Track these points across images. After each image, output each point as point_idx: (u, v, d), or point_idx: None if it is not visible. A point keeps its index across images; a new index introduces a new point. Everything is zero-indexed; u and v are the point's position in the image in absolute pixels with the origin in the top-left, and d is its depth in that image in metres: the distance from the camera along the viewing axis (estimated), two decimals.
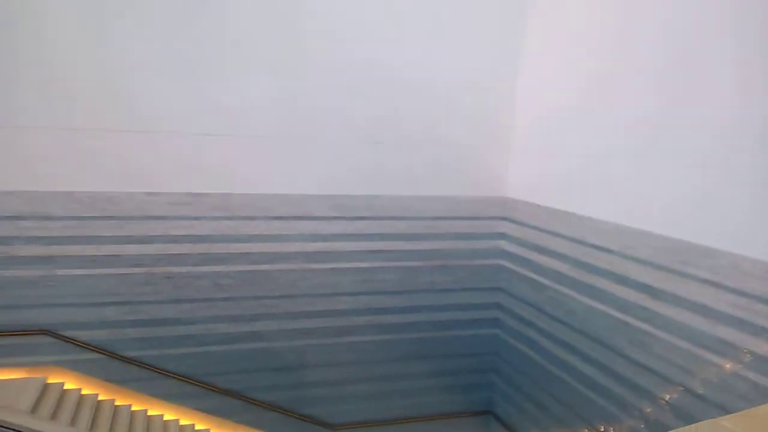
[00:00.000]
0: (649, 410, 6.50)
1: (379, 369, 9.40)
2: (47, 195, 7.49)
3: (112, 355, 8.02)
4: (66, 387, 7.87)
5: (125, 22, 7.43)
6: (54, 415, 7.15)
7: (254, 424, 8.84)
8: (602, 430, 7.30)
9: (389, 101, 8.63)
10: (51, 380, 7.82)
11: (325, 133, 8.42)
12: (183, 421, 8.44)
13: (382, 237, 8.93)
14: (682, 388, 6.06)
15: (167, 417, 8.34)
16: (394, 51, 8.54)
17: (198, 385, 8.43)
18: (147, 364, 8.18)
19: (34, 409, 7.05)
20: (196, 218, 8.06)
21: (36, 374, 7.77)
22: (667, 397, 6.26)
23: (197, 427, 8.49)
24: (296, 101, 8.25)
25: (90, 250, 7.74)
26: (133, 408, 8.16)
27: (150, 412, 8.26)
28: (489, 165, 9.28)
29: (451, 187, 9.14)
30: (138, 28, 7.49)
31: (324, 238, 8.71)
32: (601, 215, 7.32)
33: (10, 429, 6.12)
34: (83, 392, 7.94)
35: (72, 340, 7.85)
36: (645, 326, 6.55)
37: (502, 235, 9.51)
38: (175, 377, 8.31)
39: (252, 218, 8.34)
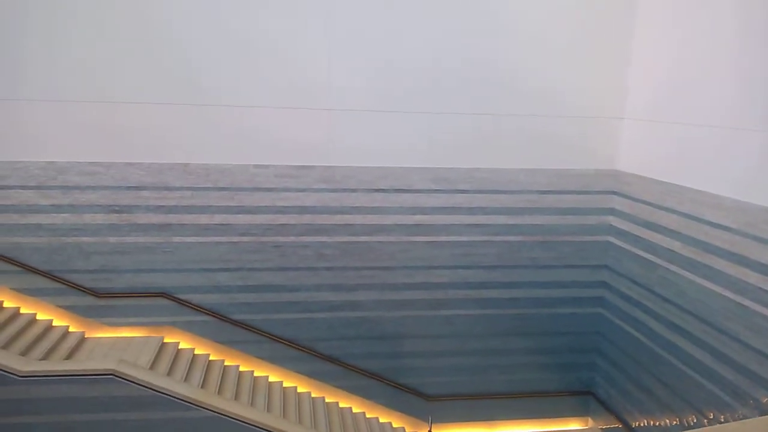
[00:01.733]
0: (765, 400, 6.48)
1: (477, 343, 9.77)
2: (165, 166, 8.36)
3: (223, 318, 8.89)
4: (181, 346, 8.83)
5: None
6: (170, 372, 8.06)
7: (352, 390, 9.53)
8: (712, 417, 7.35)
9: (492, 70, 8.77)
10: (167, 339, 8.82)
11: (426, 105, 8.72)
12: (286, 383, 9.23)
13: (483, 211, 9.19)
14: None
15: (272, 378, 9.15)
16: (499, 19, 8.67)
17: (301, 350, 9.19)
18: (254, 328, 9.01)
19: (153, 365, 8.01)
20: (301, 190, 8.70)
21: (154, 333, 8.80)
22: None
23: (299, 390, 9.26)
24: (397, 74, 8.60)
25: (204, 219, 8.57)
26: (241, 369, 9.02)
27: (256, 373, 9.10)
28: (599, 136, 9.22)
29: (558, 160, 9.19)
30: (246, 7, 8.08)
31: (423, 210, 9.10)
32: (720, 190, 7.20)
33: (133, 382, 7.02)
34: (196, 352, 8.88)
35: (186, 302, 8.78)
36: (765, 311, 6.49)
37: (611, 211, 9.51)
38: (279, 341, 9.10)
39: (353, 190, 8.87)
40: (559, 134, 9.10)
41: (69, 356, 7.84)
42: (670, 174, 8.14)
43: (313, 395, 9.32)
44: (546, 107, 8.99)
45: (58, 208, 8.18)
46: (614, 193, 9.40)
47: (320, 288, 9.07)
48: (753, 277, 6.66)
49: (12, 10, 7.62)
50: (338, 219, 8.86)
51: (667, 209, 8.19)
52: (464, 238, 9.28)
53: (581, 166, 9.29)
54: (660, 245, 8.33)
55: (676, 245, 7.99)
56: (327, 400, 9.35)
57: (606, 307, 9.77)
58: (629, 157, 9.15)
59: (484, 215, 9.20)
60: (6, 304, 8.24)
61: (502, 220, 9.26)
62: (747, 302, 6.75)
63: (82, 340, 8.40)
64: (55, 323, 8.44)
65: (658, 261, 8.35)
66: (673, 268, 8.04)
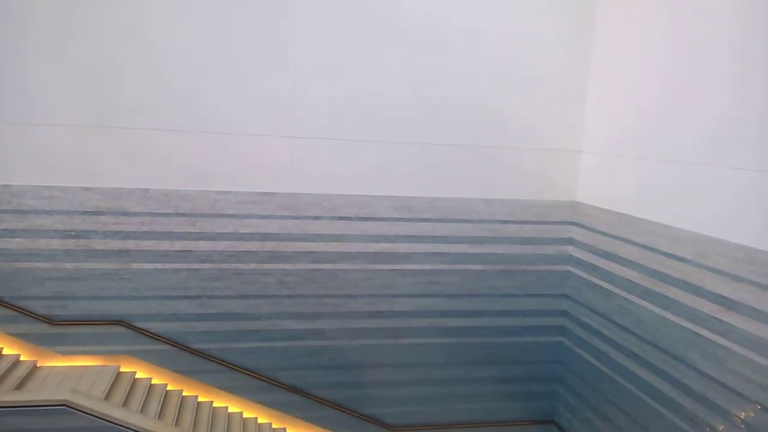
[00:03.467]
0: (722, 428, 6.51)
1: (440, 372, 9.68)
2: (124, 192, 8.15)
3: (182, 346, 8.63)
4: (137, 376, 8.53)
5: (188, 22, 7.98)
6: (125, 402, 7.78)
7: (315, 421, 9.30)
8: None
9: (454, 102, 8.88)
10: (123, 369, 8.50)
11: (388, 134, 8.75)
12: (246, 414, 8.98)
13: (446, 239, 9.20)
14: (759, 406, 6.08)
15: (231, 409, 8.90)
16: (461, 53, 8.79)
17: (262, 380, 8.96)
18: (214, 357, 8.76)
19: (108, 396, 7.71)
20: (263, 217, 8.56)
21: (110, 362, 8.48)
22: (743, 415, 6.28)
23: (260, 421, 9.02)
24: (361, 102, 8.62)
25: (163, 245, 8.36)
26: (200, 399, 8.75)
27: (215, 404, 8.83)
28: (558, 168, 9.38)
29: (518, 191, 9.30)
30: (203, 29, 8.06)
31: (387, 239, 9.05)
32: (675, 222, 7.33)
33: (87, 413, 6.75)
34: (153, 381, 8.58)
35: (144, 331, 8.50)
36: (720, 339, 6.56)
37: (570, 241, 9.61)
38: (240, 370, 8.86)
39: (317, 218, 8.78)
40: (519, 165, 9.23)
41: (19, 386, 7.51)
42: (628, 206, 8.28)
43: (274, 426, 9.09)
44: (507, 139, 9.11)
45: (11, 233, 7.90)
46: (573, 223, 9.50)
47: (282, 316, 8.90)
48: (707, 307, 6.76)
49: None
50: (301, 246, 8.74)
51: (624, 240, 8.29)
52: (427, 267, 9.23)
53: (540, 197, 9.40)
54: (618, 275, 8.41)
55: (633, 275, 8.07)
56: (288, 431, 9.07)
57: (567, 336, 9.79)
58: (587, 188, 9.28)
59: (447, 244, 9.20)
60: None
61: (464, 248, 9.26)
62: (703, 331, 6.83)
63: (33, 369, 8.06)
64: (5, 351, 8.09)
65: (617, 290, 8.42)
66: (631, 297, 8.11)
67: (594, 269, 9.04)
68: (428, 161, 8.95)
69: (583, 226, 9.35)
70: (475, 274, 9.44)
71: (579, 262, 9.46)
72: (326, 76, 8.48)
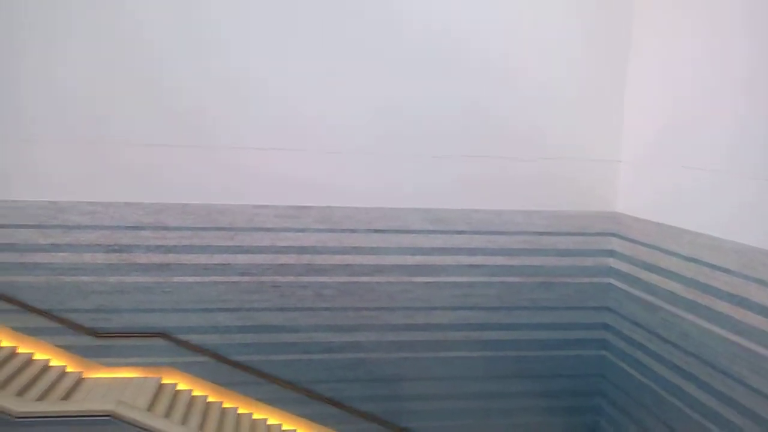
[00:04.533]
0: None
1: (478, 386, 9.61)
2: (165, 207, 8.39)
3: (221, 358, 8.78)
4: (179, 387, 8.71)
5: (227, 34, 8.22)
6: (168, 414, 7.94)
7: None
8: None
9: (492, 112, 8.89)
10: (165, 380, 8.69)
11: (424, 147, 8.80)
12: (285, 426, 9.07)
13: (482, 252, 9.17)
14: None
15: (271, 421, 9.00)
16: (499, 62, 8.82)
17: (300, 392, 9.04)
18: (253, 369, 8.88)
19: (150, 407, 7.88)
20: (300, 230, 8.70)
21: (152, 374, 8.68)
22: None
23: None
24: (396, 116, 8.72)
25: (203, 258, 8.56)
26: (239, 411, 8.89)
27: (255, 416, 8.96)
28: (597, 178, 9.27)
29: (556, 202, 9.22)
30: (241, 44, 8.26)
31: (423, 251, 9.07)
32: (719, 233, 7.18)
33: (131, 424, 6.93)
34: (194, 393, 8.76)
35: (185, 343, 8.69)
36: None
37: (611, 252, 9.47)
38: (279, 383, 8.96)
39: (353, 231, 8.86)
40: (557, 177, 9.16)
41: (66, 397, 7.75)
42: (669, 216, 8.14)
43: None
44: (543, 150, 9.07)
45: (57, 247, 8.19)
46: (613, 234, 9.38)
47: (319, 329, 8.99)
48: (755, 319, 6.59)
49: (10, 49, 7.79)
50: (337, 259, 8.84)
51: (666, 251, 8.16)
52: (464, 279, 9.23)
53: (579, 208, 9.30)
54: (661, 287, 8.27)
55: (676, 287, 7.93)
56: None
57: (609, 350, 9.64)
58: (627, 199, 9.17)
59: (483, 256, 9.17)
60: (3, 344, 8.17)
61: (501, 261, 9.23)
62: (751, 345, 6.67)
63: (79, 380, 8.30)
64: (52, 363, 8.36)
65: (660, 303, 8.28)
66: (674, 310, 7.97)
67: (636, 281, 8.90)
68: (463, 173, 8.95)
69: (623, 238, 9.22)
70: (513, 286, 9.38)
71: (620, 274, 9.33)
72: (361, 90, 8.60)
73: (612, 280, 9.50)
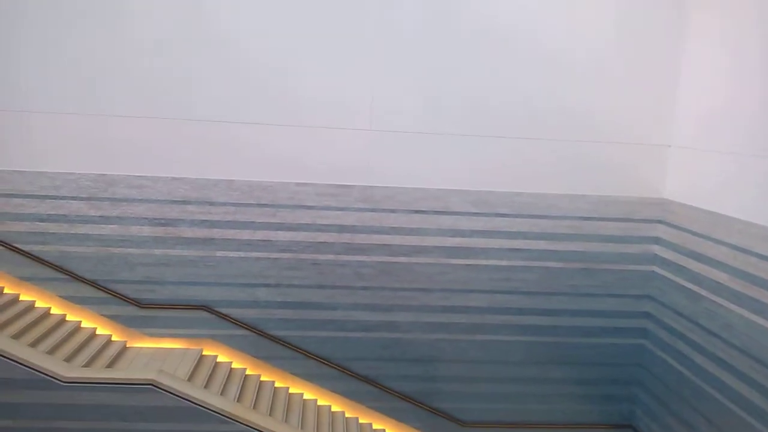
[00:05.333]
0: None
1: (515, 370, 9.64)
2: (210, 182, 8.60)
3: (261, 333, 9.01)
4: (218, 360, 8.97)
5: (272, 21, 8.32)
6: (207, 385, 8.19)
7: (386, 412, 9.48)
8: None
9: (537, 93, 8.82)
10: (206, 352, 8.98)
11: (466, 126, 8.80)
12: (321, 402, 9.27)
13: (524, 235, 9.14)
14: None
15: (306, 396, 9.21)
16: (547, 41, 8.73)
17: (336, 368, 9.22)
18: (291, 344, 9.09)
19: (191, 377, 8.14)
20: (341, 209, 8.81)
21: (193, 346, 8.96)
22: None
23: (333, 409, 9.29)
24: (440, 96, 8.73)
25: (246, 234, 8.76)
26: (277, 384, 9.11)
27: (291, 390, 9.17)
28: (645, 163, 9.11)
29: (602, 186, 9.11)
30: (287, 25, 8.40)
31: (463, 233, 9.10)
32: None
33: (171, 393, 7.17)
34: (233, 366, 9.00)
35: (226, 316, 8.93)
36: None
37: (656, 240, 9.34)
38: (316, 358, 9.15)
39: (393, 211, 8.94)
40: (603, 160, 9.04)
41: (111, 364, 8.07)
42: (718, 204, 7.98)
43: (346, 415, 9.33)
44: (590, 132, 8.96)
45: (106, 220, 8.48)
46: (660, 221, 9.24)
47: (356, 307, 9.12)
48: None
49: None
50: (377, 239, 8.93)
51: (714, 240, 8.02)
52: (504, 263, 9.23)
53: (625, 193, 9.17)
54: (706, 276, 8.15)
55: (723, 277, 7.81)
56: (360, 421, 9.34)
57: (649, 339, 9.55)
58: (676, 185, 9.01)
59: (525, 240, 9.15)
60: (53, 311, 8.54)
61: (542, 245, 9.19)
62: None
63: (123, 349, 8.63)
64: (98, 331, 8.70)
65: (704, 293, 8.16)
66: (719, 300, 7.85)
67: (680, 270, 8.77)
68: (508, 155, 8.92)
69: (670, 225, 9.07)
70: (554, 271, 9.35)
71: (664, 262, 9.20)
72: (404, 69, 8.63)
73: (656, 268, 9.38)
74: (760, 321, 7.12)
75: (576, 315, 9.50)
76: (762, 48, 7.37)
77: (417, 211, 8.94)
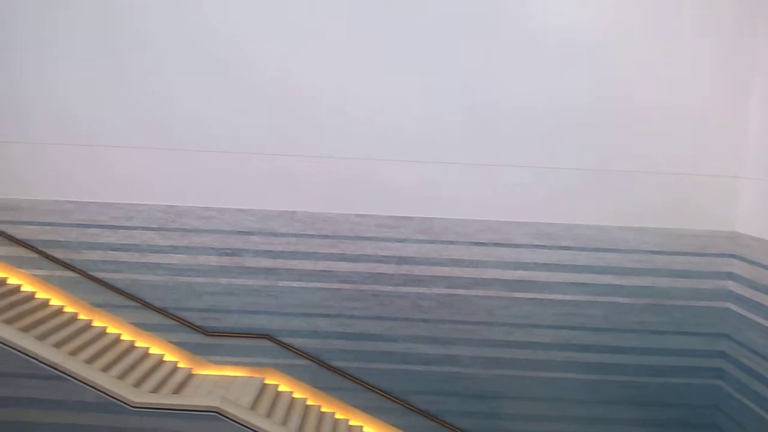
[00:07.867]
0: None
1: (581, 410, 9.45)
2: (274, 213, 9.04)
3: (322, 363, 9.24)
4: (280, 389, 9.24)
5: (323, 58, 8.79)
6: (269, 414, 8.43)
7: None
8: None
9: (598, 124, 8.86)
10: (268, 381, 9.26)
11: (526, 158, 8.89)
12: None
13: (589, 269, 9.07)
14: None
15: (366, 429, 9.32)
16: (613, 70, 8.80)
17: (396, 402, 9.31)
18: (351, 376, 9.27)
19: (254, 406, 8.40)
20: (400, 240, 9.05)
21: (256, 374, 9.28)
22: None
23: None
24: (496, 126, 8.90)
25: (307, 264, 9.11)
26: (337, 416, 9.28)
27: (351, 422, 9.31)
28: (715, 196, 8.91)
29: (670, 219, 8.96)
30: (348, 61, 8.83)
31: (524, 266, 9.13)
32: None
33: (234, 421, 7.45)
34: (294, 395, 9.25)
35: (288, 346, 9.23)
36: None
37: (730, 275, 9.09)
38: (376, 391, 9.28)
39: (452, 242, 9.10)
40: (671, 192, 8.91)
41: (177, 391, 8.45)
42: None
43: None
44: (657, 164, 8.87)
45: (175, 249, 9.02)
46: (733, 256, 8.99)
47: (416, 339, 9.25)
48: None
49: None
50: (436, 270, 9.09)
51: None
52: (568, 297, 9.19)
53: (695, 226, 8.99)
54: None
55: None
56: None
57: (725, 379, 9.23)
58: (749, 218, 8.78)
59: (590, 274, 9.08)
60: (123, 337, 9.09)
61: (608, 279, 9.10)
62: None
63: (189, 375, 9.02)
64: (166, 358, 9.16)
65: None
66: None
67: (757, 307, 8.48)
68: (569, 187, 8.94)
69: (744, 259, 8.83)
70: (621, 307, 9.21)
71: (740, 299, 8.94)
72: (461, 99, 8.90)
73: (730, 305, 9.11)
74: None
75: (645, 353, 9.28)
76: None
77: (477, 243, 9.07)
